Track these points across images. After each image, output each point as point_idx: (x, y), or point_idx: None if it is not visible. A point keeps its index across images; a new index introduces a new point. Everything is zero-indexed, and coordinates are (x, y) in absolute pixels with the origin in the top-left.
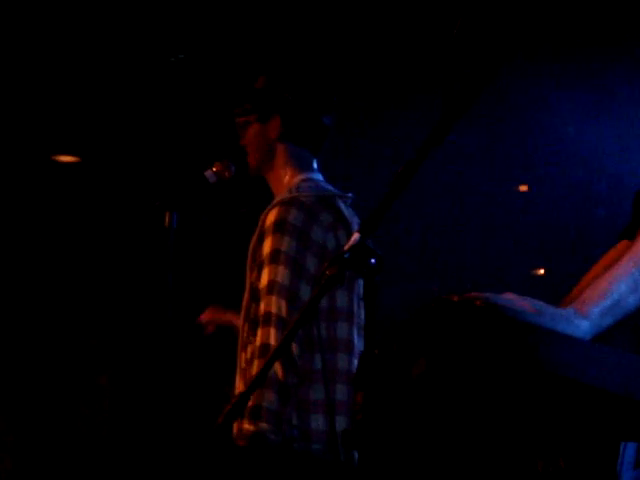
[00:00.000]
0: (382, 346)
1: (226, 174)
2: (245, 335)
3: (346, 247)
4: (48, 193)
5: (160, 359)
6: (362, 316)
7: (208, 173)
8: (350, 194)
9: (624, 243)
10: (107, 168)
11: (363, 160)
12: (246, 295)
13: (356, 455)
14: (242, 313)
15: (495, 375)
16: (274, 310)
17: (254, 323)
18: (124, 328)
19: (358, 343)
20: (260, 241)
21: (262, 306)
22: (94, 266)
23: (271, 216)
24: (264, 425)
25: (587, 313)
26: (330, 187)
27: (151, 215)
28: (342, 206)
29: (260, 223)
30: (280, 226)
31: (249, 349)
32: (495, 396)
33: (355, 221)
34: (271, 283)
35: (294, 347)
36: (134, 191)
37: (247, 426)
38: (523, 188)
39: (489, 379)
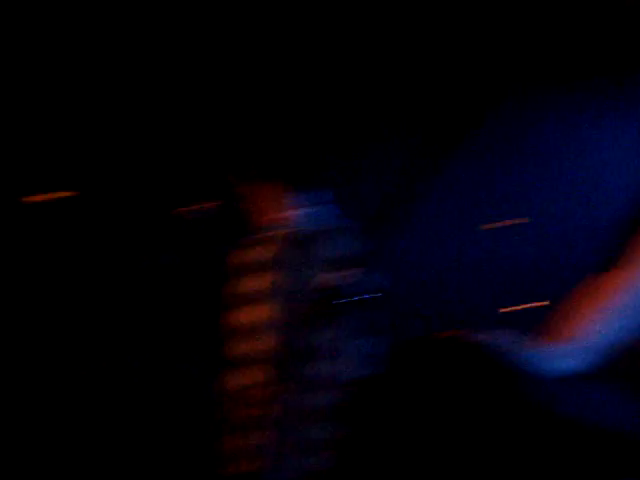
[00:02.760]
0: (367, 382)
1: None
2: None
3: (334, 282)
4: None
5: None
6: (353, 350)
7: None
8: (350, 223)
9: (603, 274)
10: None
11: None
12: (227, 335)
13: None
14: (225, 348)
15: (480, 412)
16: (262, 348)
17: (238, 362)
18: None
19: (348, 377)
20: (243, 277)
21: (248, 345)
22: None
23: (254, 253)
24: (261, 465)
25: (572, 349)
26: (326, 219)
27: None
28: (333, 240)
29: (243, 259)
30: (265, 263)
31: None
32: (481, 433)
33: (352, 251)
34: (258, 322)
35: (285, 387)
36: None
37: (245, 466)
38: (520, 221)
39: (474, 416)
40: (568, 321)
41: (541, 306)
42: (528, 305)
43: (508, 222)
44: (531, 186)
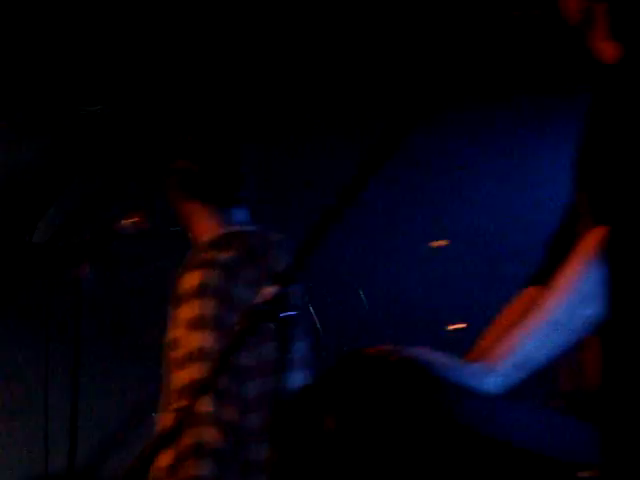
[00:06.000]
0: (295, 401)
1: (145, 226)
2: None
3: (262, 299)
4: None
5: None
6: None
7: (125, 224)
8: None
9: (531, 290)
10: None
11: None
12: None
13: None
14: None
15: (407, 430)
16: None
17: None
18: None
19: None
20: (179, 304)
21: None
22: None
23: (190, 279)
24: None
25: (497, 368)
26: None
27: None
28: (279, 253)
29: (178, 285)
30: (202, 290)
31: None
32: (408, 451)
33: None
34: (200, 349)
35: (226, 409)
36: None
37: None
38: (440, 243)
39: (401, 434)
40: (497, 338)
41: (469, 326)
42: (458, 325)
43: (439, 242)
44: (459, 204)
